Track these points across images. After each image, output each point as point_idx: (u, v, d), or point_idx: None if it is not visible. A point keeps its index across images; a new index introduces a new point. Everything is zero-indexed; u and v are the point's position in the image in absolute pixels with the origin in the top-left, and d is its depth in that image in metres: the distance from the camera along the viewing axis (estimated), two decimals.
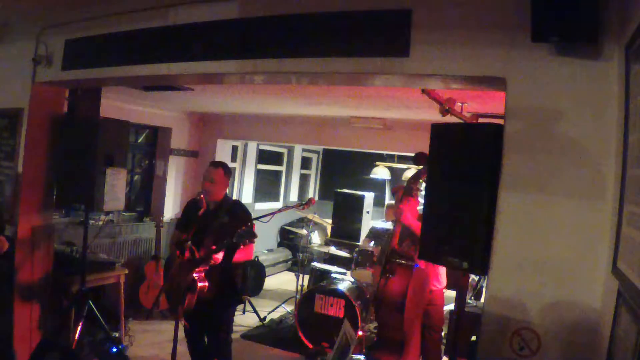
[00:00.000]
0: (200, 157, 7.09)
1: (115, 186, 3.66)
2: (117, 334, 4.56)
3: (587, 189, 1.98)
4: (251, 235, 2.95)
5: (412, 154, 3.37)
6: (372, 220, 8.42)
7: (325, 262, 6.92)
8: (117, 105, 5.42)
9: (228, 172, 3.57)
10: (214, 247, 3.16)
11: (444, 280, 3.93)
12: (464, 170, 2.20)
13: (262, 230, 6.71)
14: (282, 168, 9.72)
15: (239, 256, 3.32)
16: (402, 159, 8.26)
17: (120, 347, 4.19)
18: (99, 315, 3.74)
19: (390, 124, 5.81)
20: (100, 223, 5.16)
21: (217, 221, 3.37)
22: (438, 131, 2.34)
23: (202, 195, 3.43)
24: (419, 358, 3.87)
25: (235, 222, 3.19)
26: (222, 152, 7.20)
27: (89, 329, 3.98)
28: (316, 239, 8.77)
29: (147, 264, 5.68)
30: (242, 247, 3.17)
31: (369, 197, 8.61)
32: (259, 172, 8.75)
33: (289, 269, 8.73)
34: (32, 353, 3.69)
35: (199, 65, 2.91)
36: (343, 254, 6.38)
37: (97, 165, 3.54)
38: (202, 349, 3.60)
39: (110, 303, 4.87)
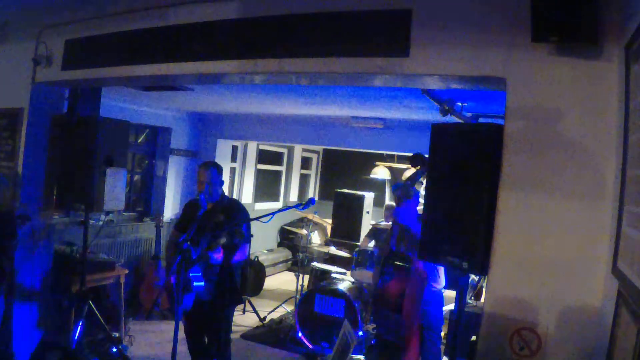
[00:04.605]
0: (200, 157, 7.09)
1: (115, 186, 3.65)
2: (117, 334, 4.56)
3: (587, 189, 1.98)
4: (239, 235, 2.94)
5: (411, 154, 3.36)
6: (372, 220, 8.42)
7: (325, 262, 6.93)
8: (117, 105, 5.42)
9: (220, 170, 3.56)
10: (208, 246, 3.15)
11: (443, 280, 3.93)
12: (464, 170, 2.20)
13: (262, 230, 6.75)
14: (282, 168, 9.72)
15: (235, 256, 3.31)
16: (402, 159, 8.26)
17: (120, 347, 4.18)
18: (99, 315, 3.74)
19: (390, 124, 5.81)
20: (100, 223, 5.16)
21: (213, 220, 3.37)
22: (438, 131, 2.34)
23: (201, 196, 3.42)
24: (418, 359, 3.87)
25: (231, 221, 3.18)
26: (222, 152, 7.20)
27: (89, 329, 3.98)
28: (316, 239, 8.78)
29: (147, 264, 5.68)
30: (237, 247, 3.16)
31: (369, 197, 8.61)
32: (259, 172, 8.75)
33: (289, 269, 8.73)
34: (32, 353, 3.69)
35: (199, 65, 2.91)
36: (343, 254, 6.38)
37: (97, 165, 3.53)
38: (202, 349, 3.60)
39: (110, 303, 4.86)
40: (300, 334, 5.03)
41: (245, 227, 3.20)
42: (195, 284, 3.28)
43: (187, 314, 3.45)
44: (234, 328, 4.61)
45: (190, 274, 3.24)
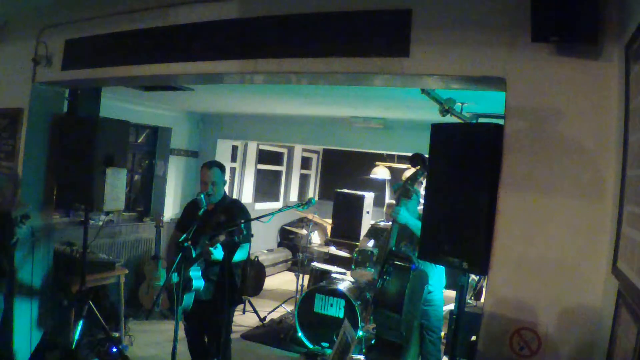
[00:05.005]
0: (200, 157, 7.09)
1: (115, 186, 3.65)
2: (117, 334, 4.56)
3: (587, 189, 1.98)
4: (239, 233, 2.94)
5: (411, 154, 3.36)
6: (371, 220, 8.42)
7: (325, 262, 6.93)
8: (117, 105, 5.42)
9: (223, 169, 3.56)
10: (208, 245, 3.16)
11: (443, 280, 3.93)
12: (464, 170, 2.20)
13: (262, 230, 6.74)
14: (282, 168, 9.72)
15: (235, 256, 3.31)
16: (402, 159, 8.26)
17: (120, 347, 4.19)
18: (99, 315, 3.74)
19: (390, 124, 5.81)
20: (100, 223, 5.16)
21: (214, 220, 3.37)
22: (438, 131, 2.34)
23: (201, 196, 3.42)
24: (419, 359, 3.87)
25: (232, 220, 3.18)
26: (222, 152, 7.20)
27: (89, 329, 3.98)
28: (316, 239, 8.77)
29: (147, 264, 5.67)
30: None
31: (369, 197, 8.61)
32: (259, 172, 8.75)
33: (289, 269, 8.73)
34: (32, 353, 3.70)
35: (199, 65, 2.91)
36: (343, 254, 6.37)
37: (97, 165, 3.53)
38: (202, 349, 3.60)
39: (110, 303, 4.86)
40: (300, 334, 5.03)
41: (246, 227, 3.20)
42: (195, 283, 3.28)
43: (187, 313, 3.45)
44: (234, 328, 4.61)
45: (191, 274, 3.25)
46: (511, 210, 2.11)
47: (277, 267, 8.50)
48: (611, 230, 1.85)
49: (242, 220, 3.13)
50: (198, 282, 3.30)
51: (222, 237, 2.97)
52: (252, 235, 3.21)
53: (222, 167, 3.55)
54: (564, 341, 1.99)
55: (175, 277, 3.17)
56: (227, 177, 7.14)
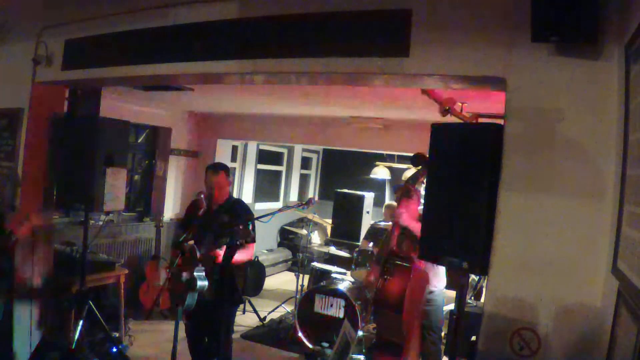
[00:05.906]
0: (200, 157, 7.09)
1: (115, 186, 3.65)
2: (117, 334, 4.56)
3: (587, 189, 1.98)
4: (246, 235, 2.94)
5: (412, 154, 3.37)
6: (371, 220, 8.42)
7: (325, 262, 6.92)
8: (117, 105, 5.42)
9: (228, 172, 3.56)
10: (212, 246, 3.16)
11: (443, 280, 3.93)
12: (464, 170, 2.20)
13: (262, 230, 6.73)
14: (282, 168, 9.72)
15: (239, 257, 3.31)
16: (402, 159, 8.26)
17: (120, 347, 4.18)
18: (99, 315, 3.74)
19: (390, 124, 5.81)
20: (100, 223, 5.16)
21: (218, 220, 3.37)
22: (438, 131, 2.34)
23: (201, 195, 3.42)
24: (419, 359, 3.87)
25: (235, 221, 3.18)
26: (222, 152, 7.20)
27: (89, 329, 3.98)
28: (316, 239, 8.77)
29: (147, 264, 5.67)
30: (241, 247, 3.16)
31: (369, 197, 8.61)
32: (259, 172, 8.75)
33: (289, 269, 8.73)
34: (32, 353, 3.69)
35: (199, 65, 2.91)
36: (343, 254, 6.37)
37: (97, 165, 3.53)
38: (202, 349, 3.60)
39: (110, 303, 4.86)
40: (300, 334, 5.03)
41: (251, 227, 3.20)
42: (199, 283, 3.28)
43: (188, 313, 3.45)
44: (234, 328, 4.61)
45: (195, 273, 3.25)
46: (511, 210, 2.11)
47: (277, 267, 8.50)
48: (611, 230, 1.85)
49: (242, 222, 3.13)
50: (202, 282, 3.30)
51: (225, 240, 2.97)
52: (249, 234, 3.21)
53: (227, 171, 3.55)
54: (564, 341, 1.99)
55: (183, 278, 3.17)
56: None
